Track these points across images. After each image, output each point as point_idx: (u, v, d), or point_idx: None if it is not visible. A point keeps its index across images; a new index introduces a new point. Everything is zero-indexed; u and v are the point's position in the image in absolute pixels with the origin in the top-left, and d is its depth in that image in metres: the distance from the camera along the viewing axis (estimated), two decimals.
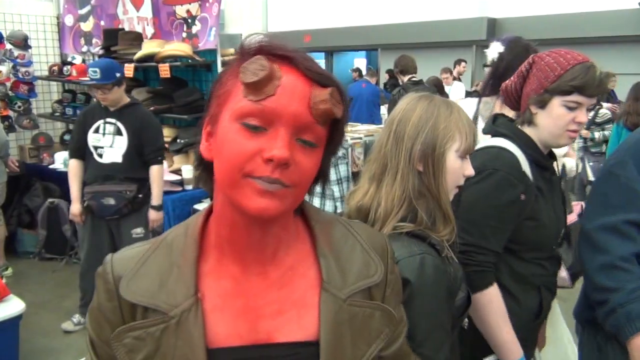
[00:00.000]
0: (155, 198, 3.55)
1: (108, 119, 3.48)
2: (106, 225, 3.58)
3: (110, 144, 3.48)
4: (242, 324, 0.77)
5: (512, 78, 1.67)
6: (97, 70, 3.33)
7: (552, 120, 1.55)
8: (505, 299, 1.53)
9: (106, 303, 0.79)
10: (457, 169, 1.27)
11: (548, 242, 1.65)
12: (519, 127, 1.64)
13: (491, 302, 1.51)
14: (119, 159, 3.46)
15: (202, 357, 0.74)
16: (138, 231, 3.54)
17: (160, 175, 3.55)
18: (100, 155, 3.48)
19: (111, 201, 3.43)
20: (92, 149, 3.50)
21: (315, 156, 0.74)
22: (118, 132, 3.47)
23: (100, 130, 3.48)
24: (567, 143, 1.61)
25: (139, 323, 0.76)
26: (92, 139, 3.49)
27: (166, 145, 4.46)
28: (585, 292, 1.69)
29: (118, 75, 3.42)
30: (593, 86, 1.48)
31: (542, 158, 1.62)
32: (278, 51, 0.72)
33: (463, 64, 9.30)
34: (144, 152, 3.50)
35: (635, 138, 1.62)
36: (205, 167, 0.80)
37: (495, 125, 1.68)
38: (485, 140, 1.68)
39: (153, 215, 3.58)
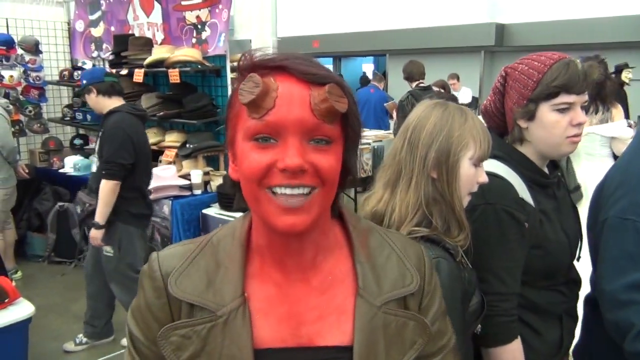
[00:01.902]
0: (96, 215, 3.20)
1: (101, 128, 3.37)
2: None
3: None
4: (285, 328, 0.79)
5: (489, 97, 1.52)
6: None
7: (546, 130, 1.39)
8: (524, 334, 1.42)
9: (154, 300, 0.81)
10: (471, 176, 1.27)
11: (559, 268, 1.49)
12: (510, 145, 1.48)
13: (514, 357, 1.39)
14: (94, 170, 3.42)
15: (249, 356, 0.75)
16: (107, 249, 3.31)
17: (105, 192, 3.16)
18: None
19: (78, 210, 3.40)
20: None
21: (334, 152, 0.74)
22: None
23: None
24: (570, 151, 1.44)
25: (186, 321, 0.78)
26: None
27: (175, 151, 4.49)
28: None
29: (84, 82, 3.38)
30: (579, 81, 1.34)
31: (542, 177, 1.47)
32: (270, 63, 0.73)
33: (455, 80, 8.88)
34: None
35: (634, 175, 1.36)
36: (239, 188, 0.81)
37: None
38: None
39: (92, 232, 3.26)
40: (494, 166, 1.43)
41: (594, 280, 1.46)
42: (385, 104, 6.02)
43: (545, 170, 1.52)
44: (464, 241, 1.25)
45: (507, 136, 1.52)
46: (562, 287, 1.51)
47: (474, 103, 8.44)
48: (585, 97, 1.39)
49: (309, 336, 0.79)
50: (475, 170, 1.27)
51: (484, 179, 1.30)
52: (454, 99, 4.27)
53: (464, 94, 8.75)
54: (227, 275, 0.80)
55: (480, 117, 2.13)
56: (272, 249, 0.81)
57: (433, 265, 0.90)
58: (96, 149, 3.40)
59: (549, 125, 1.39)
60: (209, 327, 0.77)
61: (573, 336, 1.58)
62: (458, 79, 8.85)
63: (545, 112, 1.38)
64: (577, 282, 1.57)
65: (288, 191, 0.71)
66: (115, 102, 3.36)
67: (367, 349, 0.78)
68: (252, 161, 0.72)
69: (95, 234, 3.24)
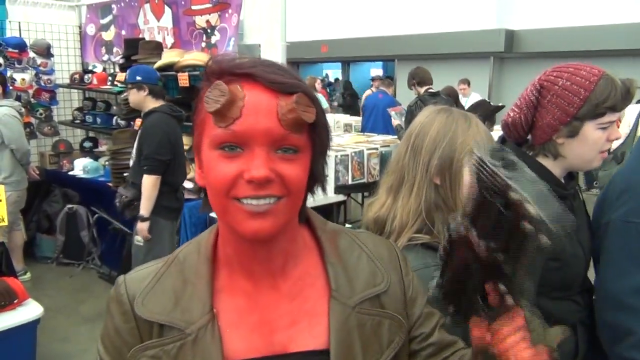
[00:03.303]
0: (141, 208, 3.43)
1: (140, 130, 3.56)
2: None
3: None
4: (257, 338, 0.79)
5: (515, 109, 1.47)
6: (129, 71, 3.56)
7: (587, 146, 1.38)
8: None
9: (123, 325, 0.79)
10: None
11: (575, 280, 1.49)
12: (531, 157, 1.46)
13: None
14: (131, 165, 3.59)
15: None
16: (138, 239, 3.50)
17: (147, 186, 3.39)
18: None
19: (117, 203, 3.55)
20: None
21: (301, 162, 0.74)
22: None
23: None
24: (598, 165, 1.44)
25: (155, 341, 0.77)
26: None
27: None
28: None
29: (138, 78, 3.50)
30: (624, 100, 1.36)
31: (561, 189, 1.45)
32: (238, 70, 0.72)
33: (465, 86, 8.88)
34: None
35: (639, 182, 1.42)
36: (205, 194, 0.81)
37: None
38: None
39: (138, 224, 3.49)
40: None
41: (596, 284, 1.47)
42: (388, 109, 5.99)
43: (562, 181, 1.51)
44: None
45: (523, 146, 1.49)
46: (576, 297, 1.50)
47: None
48: (622, 113, 1.39)
49: (282, 343, 0.79)
50: None
51: None
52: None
53: (474, 100, 8.72)
54: (194, 292, 0.79)
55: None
56: (241, 257, 0.80)
57: (405, 258, 0.92)
58: (135, 145, 3.58)
59: (592, 142, 1.38)
60: (178, 346, 0.76)
61: (586, 345, 1.55)
62: (469, 84, 8.81)
63: (590, 130, 1.37)
64: (590, 290, 1.55)
65: (254, 202, 0.70)
66: (158, 104, 3.57)
67: (343, 350, 0.77)
68: (219, 173, 0.71)
69: (141, 226, 3.45)
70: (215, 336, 0.76)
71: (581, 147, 1.40)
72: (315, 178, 0.80)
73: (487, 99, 9.18)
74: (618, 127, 1.36)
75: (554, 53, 8.59)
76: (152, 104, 3.54)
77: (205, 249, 0.82)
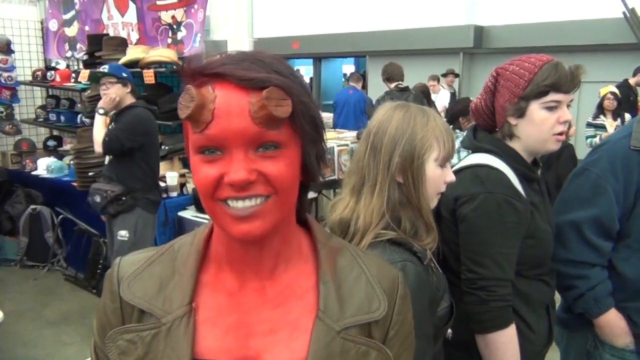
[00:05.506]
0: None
1: (113, 122, 3.54)
2: (108, 224, 3.68)
3: None
4: (232, 340, 0.76)
5: (479, 96, 1.61)
6: (107, 66, 3.50)
7: (535, 126, 1.48)
8: (518, 325, 1.45)
9: (109, 304, 0.80)
10: (438, 177, 1.25)
11: (547, 256, 1.58)
12: (501, 140, 1.56)
13: (511, 341, 1.41)
14: (110, 160, 3.55)
15: None
16: (122, 234, 3.50)
17: (96, 128, 3.49)
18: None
19: (97, 199, 3.50)
20: None
21: (285, 157, 0.70)
22: None
23: None
24: (555, 147, 1.52)
25: (133, 326, 0.77)
26: None
27: None
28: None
29: (124, 74, 3.49)
30: (567, 81, 1.43)
31: (530, 171, 1.55)
32: (207, 70, 0.68)
33: (451, 77, 9.21)
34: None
35: (614, 138, 1.67)
36: None
37: (477, 140, 1.60)
38: (467, 158, 1.60)
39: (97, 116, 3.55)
40: (488, 160, 1.51)
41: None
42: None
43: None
44: (433, 243, 1.23)
45: (495, 133, 1.59)
46: (546, 277, 1.58)
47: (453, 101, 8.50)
48: (572, 96, 1.48)
49: (256, 349, 0.75)
50: (441, 171, 1.25)
51: (452, 178, 1.28)
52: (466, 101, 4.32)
53: (443, 96, 8.79)
54: (179, 282, 0.78)
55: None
56: (231, 256, 0.78)
57: (408, 296, 0.85)
58: None
59: (538, 122, 1.47)
60: (152, 334, 0.75)
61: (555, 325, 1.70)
62: (438, 80, 8.89)
63: (535, 109, 1.47)
64: (554, 271, 1.65)
65: (240, 204, 0.68)
66: (133, 100, 3.59)
67: None
68: (202, 176, 0.69)
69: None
70: (189, 330, 0.74)
71: (530, 127, 1.49)
72: (309, 171, 0.76)
73: (456, 95, 9.30)
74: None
75: (522, 49, 8.70)
76: (130, 100, 3.55)
77: (197, 242, 0.81)
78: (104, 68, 3.46)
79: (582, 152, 3.52)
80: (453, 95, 8.93)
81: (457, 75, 9.39)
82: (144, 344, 0.75)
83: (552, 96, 1.44)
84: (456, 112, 4.52)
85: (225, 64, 0.68)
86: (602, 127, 6.18)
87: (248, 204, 0.68)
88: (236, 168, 0.67)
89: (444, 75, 9.22)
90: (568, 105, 1.49)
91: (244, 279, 0.78)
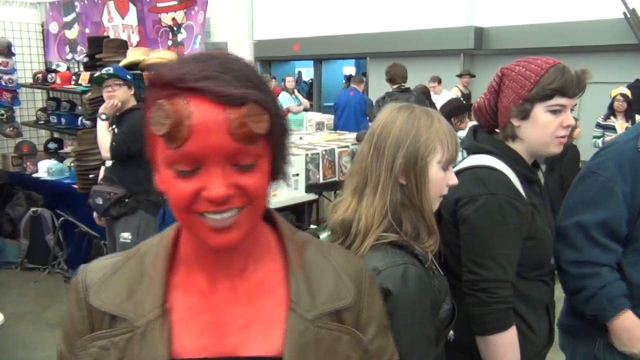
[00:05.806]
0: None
1: (114, 125, 3.54)
2: (108, 226, 3.68)
3: None
4: (208, 338, 0.77)
5: (482, 96, 1.60)
6: (111, 68, 3.51)
7: (538, 129, 1.47)
8: (518, 326, 1.45)
9: (76, 312, 0.79)
10: (440, 179, 1.24)
11: (547, 258, 1.58)
12: (502, 141, 1.55)
13: (511, 343, 1.41)
14: (112, 163, 3.55)
15: None
16: (125, 235, 3.52)
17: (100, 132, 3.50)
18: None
19: (99, 201, 3.50)
20: None
21: (260, 169, 0.72)
22: None
23: None
24: (557, 151, 1.51)
25: (105, 332, 0.76)
26: None
27: None
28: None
29: (129, 77, 3.51)
30: (573, 85, 1.43)
31: (531, 173, 1.55)
32: (181, 84, 0.66)
33: (467, 77, 9.03)
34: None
35: (621, 140, 1.65)
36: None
37: (478, 141, 1.59)
38: (468, 159, 1.59)
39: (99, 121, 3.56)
40: (489, 161, 1.50)
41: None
42: None
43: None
44: (434, 246, 1.23)
45: (495, 133, 1.59)
46: (546, 278, 1.57)
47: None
48: (576, 101, 1.47)
49: (232, 345, 0.77)
50: (444, 174, 1.25)
51: (454, 181, 1.28)
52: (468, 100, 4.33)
53: (445, 98, 8.78)
54: (149, 285, 0.78)
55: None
56: (201, 258, 0.79)
57: (375, 281, 0.89)
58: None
59: (541, 124, 1.46)
60: (126, 339, 0.75)
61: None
62: (439, 82, 8.86)
63: (540, 112, 1.45)
64: (554, 271, 1.65)
65: (218, 216, 0.69)
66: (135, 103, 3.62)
67: None
68: (177, 192, 0.69)
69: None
70: (164, 331, 0.75)
71: (534, 130, 1.48)
72: (278, 173, 0.78)
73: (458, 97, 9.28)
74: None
75: (522, 50, 8.70)
76: (132, 102, 3.58)
77: (165, 244, 0.81)
78: (108, 70, 3.47)
79: (585, 153, 3.51)
80: (467, 96, 8.77)
81: (473, 76, 9.19)
82: (118, 349, 0.75)
83: (557, 100, 1.43)
84: (447, 113, 4.52)
85: (199, 81, 0.66)
86: (612, 129, 6.17)
87: (226, 215, 0.69)
88: (216, 185, 0.67)
89: (460, 76, 9.12)
90: (571, 109, 1.48)
91: (215, 280, 0.79)
